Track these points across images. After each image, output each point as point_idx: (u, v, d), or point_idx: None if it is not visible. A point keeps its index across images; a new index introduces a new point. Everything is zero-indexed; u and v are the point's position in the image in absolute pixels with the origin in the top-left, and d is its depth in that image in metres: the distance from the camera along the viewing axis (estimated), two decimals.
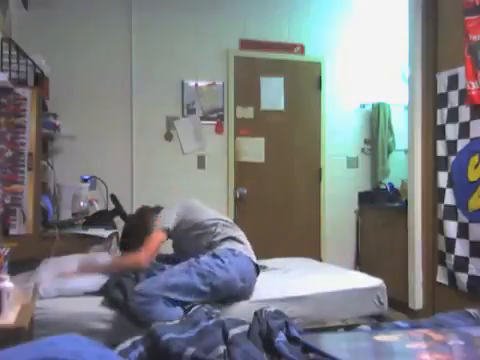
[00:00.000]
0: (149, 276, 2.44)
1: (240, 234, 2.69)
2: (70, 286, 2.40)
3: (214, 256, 2.46)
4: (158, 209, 2.80)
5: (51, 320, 2.21)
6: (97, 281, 2.46)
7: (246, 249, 2.60)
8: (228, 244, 2.56)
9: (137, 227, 2.76)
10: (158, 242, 2.55)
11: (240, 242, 2.61)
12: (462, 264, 3.27)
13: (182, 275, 2.35)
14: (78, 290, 2.41)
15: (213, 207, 2.88)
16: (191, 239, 2.65)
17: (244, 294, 2.48)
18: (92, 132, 4.03)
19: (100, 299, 2.37)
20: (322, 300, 2.60)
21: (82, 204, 3.51)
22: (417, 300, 3.71)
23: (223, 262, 2.42)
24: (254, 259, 2.60)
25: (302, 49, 4.63)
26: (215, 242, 2.58)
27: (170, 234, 2.65)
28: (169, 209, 2.72)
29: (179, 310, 2.26)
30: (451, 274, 3.40)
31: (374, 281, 2.83)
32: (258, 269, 2.60)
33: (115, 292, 2.34)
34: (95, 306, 2.33)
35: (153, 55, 4.24)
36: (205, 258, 2.45)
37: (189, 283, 2.32)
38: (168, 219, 2.64)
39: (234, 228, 2.72)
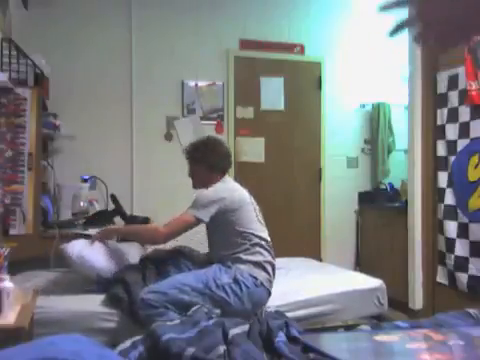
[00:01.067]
0: (159, 275, 2.42)
1: (271, 261, 2.52)
2: (89, 258, 2.39)
3: (235, 281, 2.33)
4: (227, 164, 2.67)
5: (51, 319, 2.21)
6: (111, 266, 2.46)
7: (269, 281, 2.47)
8: (254, 270, 2.41)
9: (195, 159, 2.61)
10: (184, 224, 2.39)
11: (267, 272, 2.46)
12: (462, 264, 3.27)
13: (195, 296, 2.25)
14: (93, 268, 2.41)
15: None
16: (221, 237, 2.51)
17: (249, 315, 2.39)
18: (92, 132, 4.03)
19: (100, 298, 2.37)
20: (322, 300, 2.60)
21: (82, 204, 3.51)
22: (417, 300, 3.71)
23: (241, 291, 2.32)
24: (271, 286, 2.49)
25: (302, 49, 4.63)
26: (241, 259, 2.43)
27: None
28: (215, 193, 2.47)
29: None
30: (451, 274, 3.40)
31: (374, 282, 2.83)
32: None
33: (117, 288, 2.33)
34: (95, 305, 2.33)
35: (153, 55, 4.24)
36: (224, 281, 2.32)
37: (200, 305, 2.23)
38: (209, 209, 2.41)
39: (269, 252, 2.54)
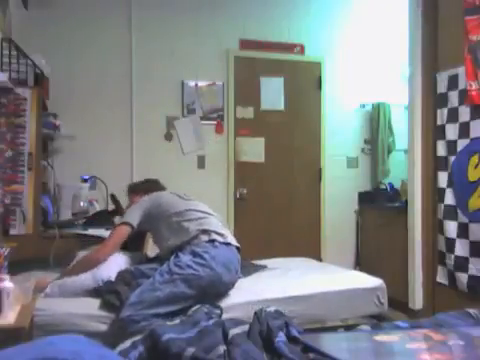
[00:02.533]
0: (142, 280, 2.41)
1: (218, 225, 2.60)
2: (70, 285, 2.40)
3: (194, 254, 2.37)
4: (146, 186, 2.90)
5: (51, 320, 2.21)
6: (94, 278, 2.45)
7: (225, 238, 2.51)
8: (203, 236, 2.47)
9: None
10: (118, 237, 2.56)
11: (219, 234, 2.51)
12: (462, 264, 3.27)
13: (166, 286, 2.26)
14: (79, 288, 2.41)
15: (213, 207, 2.83)
16: (167, 229, 2.58)
17: (233, 281, 2.45)
18: (92, 132, 4.03)
19: (97, 301, 2.37)
20: (322, 300, 2.59)
21: (82, 204, 3.51)
22: (417, 300, 3.71)
23: (205, 259, 2.34)
24: (234, 242, 2.53)
25: (302, 49, 4.63)
26: (192, 236, 2.48)
27: (140, 228, 2.63)
28: (138, 204, 2.69)
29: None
30: (451, 274, 3.40)
31: (374, 281, 2.83)
32: (239, 249, 2.55)
33: (111, 297, 2.33)
34: (94, 307, 2.32)
35: (153, 55, 4.24)
36: (185, 258, 2.36)
37: (175, 293, 2.25)
38: (133, 215, 2.62)
39: (211, 219, 2.62)
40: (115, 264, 2.55)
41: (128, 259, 2.66)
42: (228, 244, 2.50)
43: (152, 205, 2.66)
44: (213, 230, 2.52)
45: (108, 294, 2.34)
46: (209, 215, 2.65)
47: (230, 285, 2.45)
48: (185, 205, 2.65)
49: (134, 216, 2.62)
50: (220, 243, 2.47)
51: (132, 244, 2.80)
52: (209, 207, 2.77)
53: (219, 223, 2.65)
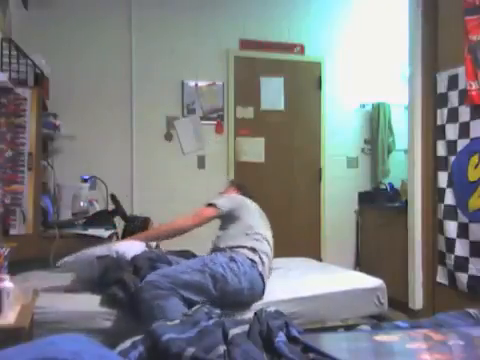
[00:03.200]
0: (153, 269, 2.42)
1: (267, 252, 2.67)
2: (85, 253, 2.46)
3: (231, 259, 2.44)
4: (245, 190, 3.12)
5: (51, 319, 2.21)
6: (109, 249, 2.49)
7: (263, 268, 2.56)
8: (249, 253, 2.54)
9: None
10: (206, 214, 2.71)
11: (261, 260, 2.57)
12: (462, 264, 3.27)
13: (195, 274, 2.32)
14: (92, 255, 2.45)
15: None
16: (237, 237, 2.67)
17: (252, 300, 2.46)
18: (92, 132, 4.03)
19: (99, 297, 2.37)
20: (322, 300, 2.59)
21: (82, 204, 3.51)
22: (417, 300, 3.71)
23: (238, 269, 2.40)
24: (265, 279, 2.57)
25: (302, 49, 4.64)
26: (241, 246, 2.57)
27: (221, 216, 2.76)
28: (233, 197, 2.89)
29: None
30: (451, 274, 3.40)
31: (374, 281, 2.83)
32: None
33: (114, 289, 2.33)
34: (95, 305, 2.33)
35: (153, 55, 4.24)
36: (222, 259, 2.43)
37: (202, 284, 2.30)
38: (225, 203, 2.76)
39: (267, 245, 2.72)
40: (133, 246, 2.57)
41: (146, 248, 2.67)
42: (263, 278, 2.54)
43: (240, 206, 2.81)
44: (260, 256, 2.58)
45: (113, 285, 2.34)
46: (269, 250, 2.74)
47: (245, 301, 2.44)
48: (260, 226, 2.78)
49: (225, 205, 2.75)
50: (257, 269, 2.51)
51: (136, 229, 2.86)
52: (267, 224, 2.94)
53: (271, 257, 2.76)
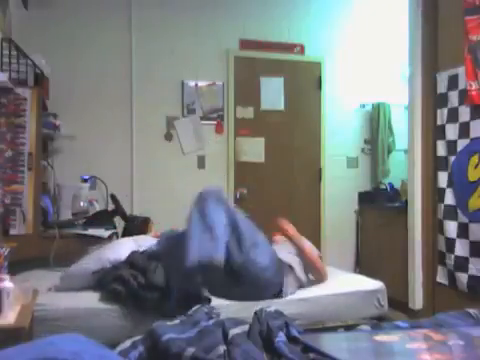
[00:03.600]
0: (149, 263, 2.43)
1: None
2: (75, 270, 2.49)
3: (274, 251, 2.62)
4: None
5: (51, 317, 2.21)
6: (100, 261, 2.52)
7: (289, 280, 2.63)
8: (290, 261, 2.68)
9: None
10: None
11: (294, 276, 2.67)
12: (462, 264, 3.27)
13: (245, 228, 2.59)
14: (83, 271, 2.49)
15: None
16: None
17: (267, 288, 2.50)
18: (92, 132, 4.03)
19: (99, 295, 2.38)
20: (322, 302, 2.59)
21: (82, 204, 3.51)
22: (417, 300, 3.71)
23: (273, 257, 2.55)
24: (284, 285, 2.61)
25: (302, 49, 4.63)
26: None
27: None
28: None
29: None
30: (451, 274, 3.40)
31: (374, 283, 2.83)
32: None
33: (114, 284, 2.33)
34: (95, 302, 2.33)
35: (153, 55, 4.24)
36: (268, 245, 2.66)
37: (243, 237, 2.47)
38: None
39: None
40: (124, 248, 2.57)
41: (136, 243, 2.67)
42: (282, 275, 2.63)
43: None
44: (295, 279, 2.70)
45: (113, 282, 2.35)
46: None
47: (265, 294, 2.48)
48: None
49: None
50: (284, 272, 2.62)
51: (136, 229, 2.85)
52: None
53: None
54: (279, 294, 2.52)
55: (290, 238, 2.89)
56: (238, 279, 2.38)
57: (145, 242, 2.73)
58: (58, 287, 2.47)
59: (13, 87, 2.84)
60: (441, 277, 3.51)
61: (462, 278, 3.27)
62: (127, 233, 3.23)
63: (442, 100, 3.50)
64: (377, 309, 2.74)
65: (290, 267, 2.63)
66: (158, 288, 2.29)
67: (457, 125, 3.36)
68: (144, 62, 4.21)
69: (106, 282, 2.41)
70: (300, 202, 4.61)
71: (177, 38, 4.28)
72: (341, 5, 4.71)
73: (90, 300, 2.34)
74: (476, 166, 3.18)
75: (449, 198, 3.41)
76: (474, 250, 3.19)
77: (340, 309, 2.63)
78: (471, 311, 1.84)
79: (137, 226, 3.33)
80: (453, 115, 3.39)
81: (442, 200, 3.48)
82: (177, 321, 1.75)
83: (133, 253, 2.53)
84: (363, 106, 4.78)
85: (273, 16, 4.52)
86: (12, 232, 2.84)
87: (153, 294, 2.27)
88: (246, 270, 2.38)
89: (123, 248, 2.60)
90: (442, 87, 3.51)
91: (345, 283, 2.84)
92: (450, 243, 3.38)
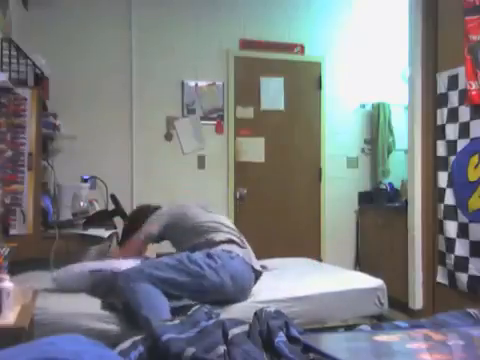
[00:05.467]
0: None
1: (242, 240, 2.65)
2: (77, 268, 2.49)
3: (208, 256, 2.39)
4: (156, 209, 2.86)
5: (51, 320, 2.21)
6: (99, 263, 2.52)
7: (246, 254, 2.53)
8: (226, 246, 2.50)
9: (130, 226, 2.88)
10: (136, 247, 2.73)
11: (240, 246, 2.56)
12: (462, 264, 3.27)
13: (169, 271, 2.30)
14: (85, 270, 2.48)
15: (213, 207, 2.89)
16: (189, 238, 2.64)
17: (237, 297, 2.41)
18: (92, 132, 4.03)
19: (99, 300, 2.37)
20: (322, 300, 2.59)
21: (82, 204, 3.50)
22: (417, 300, 3.71)
23: (216, 263, 2.35)
24: (254, 264, 2.53)
25: (302, 49, 4.64)
26: (214, 242, 2.53)
27: (161, 236, 2.75)
28: (160, 215, 2.78)
29: (165, 300, 2.23)
30: (451, 274, 3.40)
31: (374, 281, 2.83)
32: (257, 274, 2.55)
33: (111, 298, 2.34)
34: (96, 307, 2.32)
35: (153, 55, 4.24)
36: (197, 257, 2.38)
37: (176, 281, 2.28)
38: (153, 226, 2.72)
39: (235, 233, 2.69)
40: (126, 263, 2.57)
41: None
42: (246, 262, 2.49)
43: (176, 215, 2.75)
44: (235, 241, 2.57)
45: (108, 294, 2.34)
46: (233, 230, 2.70)
47: (232, 296, 2.40)
48: (211, 217, 2.72)
49: (153, 226, 2.72)
50: (237, 256, 2.46)
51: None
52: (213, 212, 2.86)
53: (242, 238, 2.69)
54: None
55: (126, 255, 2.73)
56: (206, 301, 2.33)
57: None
58: (51, 289, 2.44)
59: (13, 87, 2.83)
60: (441, 277, 3.52)
61: (462, 278, 3.27)
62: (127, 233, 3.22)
63: (442, 100, 3.51)
64: (377, 307, 2.73)
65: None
66: None
67: (457, 125, 3.36)
68: (144, 62, 4.21)
69: (102, 292, 2.41)
70: (300, 202, 4.61)
71: (177, 38, 4.28)
72: (341, 5, 4.71)
73: (91, 305, 2.33)
74: (476, 166, 3.18)
75: (449, 198, 3.42)
76: (474, 250, 3.19)
77: (340, 307, 2.63)
78: (471, 311, 1.84)
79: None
80: (453, 115, 3.39)
81: (442, 200, 3.48)
82: (177, 321, 1.75)
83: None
84: (363, 106, 4.79)
85: (273, 16, 4.52)
86: (12, 232, 2.83)
87: None
88: (203, 294, 2.31)
89: (125, 263, 2.58)
90: (442, 87, 3.51)
91: (345, 281, 2.83)
92: (450, 243, 3.38)
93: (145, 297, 2.19)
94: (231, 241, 2.56)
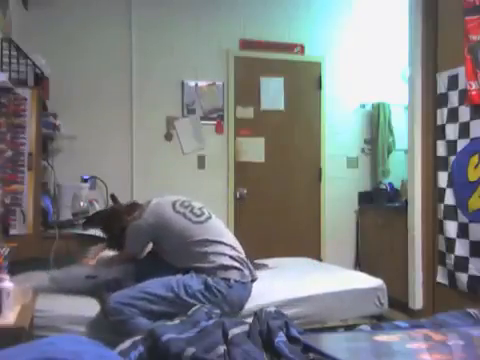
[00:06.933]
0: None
1: (232, 254, 2.43)
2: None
3: (206, 287, 2.30)
4: (132, 207, 2.71)
5: (51, 321, 2.21)
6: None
7: (243, 276, 2.41)
8: (224, 273, 2.36)
9: (109, 233, 2.77)
10: (124, 257, 2.61)
11: (237, 268, 2.40)
12: (462, 264, 3.27)
13: (164, 305, 2.24)
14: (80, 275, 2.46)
15: (213, 207, 2.76)
16: (183, 257, 2.45)
17: (238, 310, 2.39)
18: (92, 132, 4.03)
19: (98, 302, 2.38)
20: (322, 300, 2.59)
21: (82, 204, 3.51)
22: (417, 300, 3.71)
23: (216, 297, 2.29)
24: (249, 278, 2.44)
25: (302, 49, 4.63)
26: (213, 268, 2.37)
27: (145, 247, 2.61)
28: (137, 230, 2.51)
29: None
30: (451, 274, 3.40)
31: (374, 281, 2.83)
32: (254, 280, 2.50)
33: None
34: (95, 308, 2.32)
35: (153, 55, 4.24)
36: (197, 287, 2.29)
37: (171, 313, 2.09)
38: (133, 246, 2.55)
39: (230, 245, 2.47)
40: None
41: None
42: (244, 283, 2.41)
43: (155, 228, 2.49)
44: (231, 265, 2.39)
45: (105, 294, 2.35)
46: (227, 245, 2.47)
47: (235, 311, 2.38)
48: (200, 231, 2.45)
49: (137, 243, 2.56)
50: (235, 282, 2.36)
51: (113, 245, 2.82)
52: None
53: (236, 243, 2.54)
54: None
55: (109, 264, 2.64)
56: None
57: None
58: (47, 288, 2.42)
59: (13, 87, 2.83)
60: (441, 277, 3.51)
61: (462, 278, 3.27)
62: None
63: (442, 100, 3.50)
64: (377, 307, 2.74)
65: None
66: None
67: (457, 125, 3.36)
68: (144, 62, 4.21)
69: (100, 296, 2.41)
70: (300, 202, 4.61)
71: (177, 38, 4.28)
72: (341, 5, 4.71)
73: (90, 307, 2.33)
74: (476, 166, 3.18)
75: (449, 198, 3.41)
76: (474, 250, 3.19)
77: (340, 307, 2.63)
78: (471, 311, 1.84)
79: None
80: (453, 115, 3.39)
81: (442, 200, 3.48)
82: (177, 321, 1.75)
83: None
84: (363, 106, 4.78)
85: (273, 16, 4.52)
86: (12, 232, 2.83)
87: None
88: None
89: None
90: (442, 87, 3.51)
91: (345, 281, 2.84)
92: (450, 243, 3.38)
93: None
94: (229, 267, 2.39)
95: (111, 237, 2.76)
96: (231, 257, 2.42)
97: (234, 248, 2.48)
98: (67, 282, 2.46)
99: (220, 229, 2.56)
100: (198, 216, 2.52)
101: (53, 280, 2.46)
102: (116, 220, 2.67)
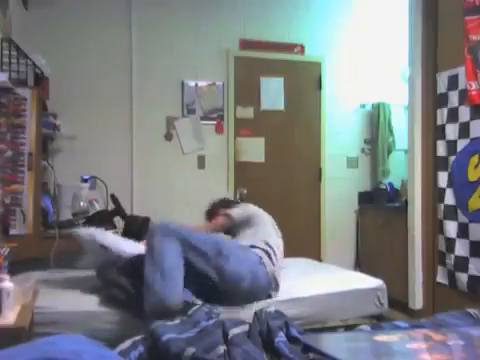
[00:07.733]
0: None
1: (280, 265, 2.63)
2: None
3: (242, 248, 2.49)
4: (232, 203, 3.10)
5: (51, 319, 2.21)
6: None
7: (274, 271, 2.52)
8: (261, 254, 2.52)
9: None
10: (220, 223, 2.87)
11: (273, 263, 2.54)
12: (462, 264, 3.27)
13: (206, 244, 2.37)
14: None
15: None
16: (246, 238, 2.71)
17: (253, 297, 2.41)
18: (92, 132, 4.03)
19: (99, 298, 2.38)
20: (322, 300, 2.59)
21: (82, 204, 3.50)
22: (417, 300, 3.71)
23: (244, 257, 2.43)
24: (277, 280, 2.53)
25: (302, 49, 4.64)
26: (254, 246, 2.57)
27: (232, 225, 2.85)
28: (243, 209, 2.95)
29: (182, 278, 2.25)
30: (451, 274, 3.40)
31: (374, 282, 2.83)
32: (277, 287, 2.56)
33: (115, 291, 2.34)
34: (94, 305, 2.33)
35: (153, 55, 4.24)
36: (233, 244, 2.57)
37: (206, 254, 2.32)
38: (238, 214, 2.87)
39: (279, 258, 2.66)
40: (136, 247, 2.58)
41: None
42: (269, 277, 2.51)
43: (252, 219, 2.91)
44: (274, 261, 2.57)
45: (112, 287, 2.35)
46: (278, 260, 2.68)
47: (250, 298, 2.40)
48: (277, 243, 2.75)
49: (238, 215, 2.90)
50: (265, 269, 2.48)
51: (136, 229, 2.86)
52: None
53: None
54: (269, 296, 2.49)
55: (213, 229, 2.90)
56: (218, 290, 2.31)
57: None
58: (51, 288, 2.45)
59: (13, 87, 2.83)
60: (441, 277, 3.52)
61: (462, 278, 3.27)
62: (127, 233, 3.22)
63: (442, 100, 3.51)
64: (377, 307, 2.73)
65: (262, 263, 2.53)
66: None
67: (457, 125, 3.36)
68: (144, 62, 4.21)
69: (103, 280, 2.41)
70: (300, 202, 4.61)
71: (177, 38, 4.28)
72: (341, 5, 4.71)
73: (91, 303, 2.34)
74: (476, 166, 3.18)
75: (449, 198, 3.42)
76: (474, 250, 3.19)
77: (340, 307, 2.63)
78: (471, 311, 1.84)
79: (137, 226, 3.32)
80: (453, 115, 3.39)
81: (442, 200, 3.48)
82: (177, 321, 1.76)
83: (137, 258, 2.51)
84: (363, 106, 4.79)
85: (273, 16, 4.52)
86: (12, 232, 2.83)
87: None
88: (221, 278, 2.32)
89: (136, 247, 2.58)
90: (442, 87, 3.51)
91: (345, 281, 2.83)
92: (450, 243, 3.38)
93: (169, 262, 2.21)
94: (269, 255, 2.58)
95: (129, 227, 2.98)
96: (277, 264, 2.61)
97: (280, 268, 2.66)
98: (89, 243, 2.51)
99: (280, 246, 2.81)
100: (280, 236, 2.93)
101: (80, 235, 2.54)
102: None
